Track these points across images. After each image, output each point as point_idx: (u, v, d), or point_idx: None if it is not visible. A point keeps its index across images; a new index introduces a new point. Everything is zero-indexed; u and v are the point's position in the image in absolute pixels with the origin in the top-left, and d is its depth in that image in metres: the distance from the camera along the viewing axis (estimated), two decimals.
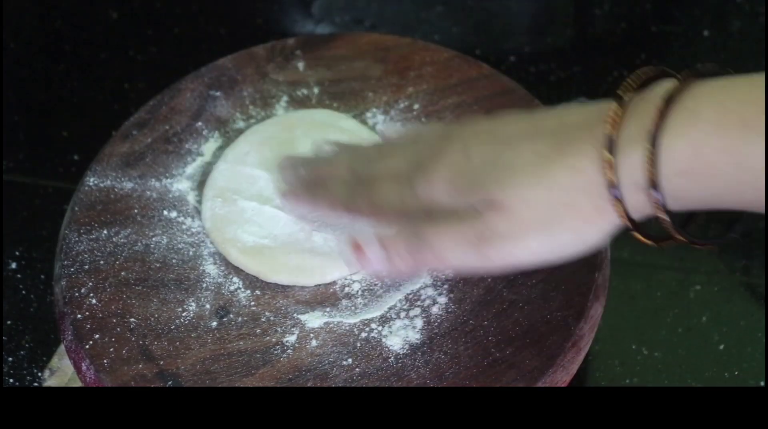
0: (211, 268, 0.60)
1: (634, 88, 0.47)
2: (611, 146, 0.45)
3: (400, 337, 0.56)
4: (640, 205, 0.45)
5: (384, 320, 0.57)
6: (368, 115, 0.67)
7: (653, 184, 0.44)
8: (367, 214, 0.53)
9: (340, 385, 0.54)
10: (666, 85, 0.45)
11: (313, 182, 0.57)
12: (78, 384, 0.66)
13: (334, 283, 0.59)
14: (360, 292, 0.58)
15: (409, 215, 0.51)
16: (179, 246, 0.60)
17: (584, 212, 0.46)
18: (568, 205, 0.46)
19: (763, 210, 0.45)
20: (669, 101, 0.44)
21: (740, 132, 0.43)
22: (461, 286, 0.58)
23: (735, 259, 0.74)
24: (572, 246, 0.48)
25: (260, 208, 0.61)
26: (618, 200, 0.45)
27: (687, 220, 0.49)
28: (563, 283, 0.57)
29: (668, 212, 0.45)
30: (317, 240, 0.59)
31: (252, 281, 0.59)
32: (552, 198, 0.46)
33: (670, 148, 0.44)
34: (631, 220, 0.46)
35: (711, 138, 0.43)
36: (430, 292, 0.58)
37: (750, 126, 0.42)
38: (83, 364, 0.55)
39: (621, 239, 0.74)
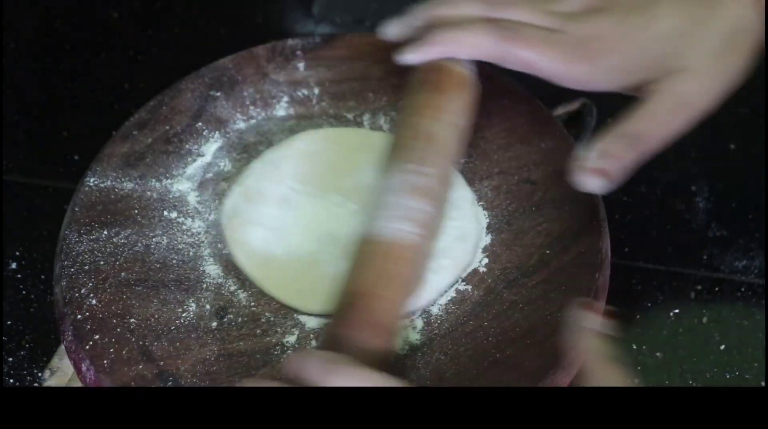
0: (211, 269, 0.59)
1: None
2: None
3: (400, 337, 0.56)
4: None
5: None
6: (367, 116, 0.67)
7: None
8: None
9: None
10: None
11: (444, 25, 0.62)
12: (78, 384, 0.66)
13: None
14: None
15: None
16: (179, 246, 0.60)
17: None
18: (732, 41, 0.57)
19: None
20: None
21: None
22: (461, 286, 0.58)
23: (735, 259, 0.74)
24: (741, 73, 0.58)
25: (278, 216, 0.61)
26: None
27: None
28: (563, 284, 0.57)
29: None
30: (324, 263, 0.58)
31: (252, 282, 0.59)
32: (721, 44, 0.57)
33: None
34: None
35: None
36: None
37: None
38: (83, 365, 0.55)
39: (621, 239, 0.74)
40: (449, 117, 0.60)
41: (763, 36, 0.58)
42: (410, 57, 0.62)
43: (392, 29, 0.64)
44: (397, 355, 0.55)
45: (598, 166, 0.57)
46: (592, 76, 0.59)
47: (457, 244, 0.59)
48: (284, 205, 0.61)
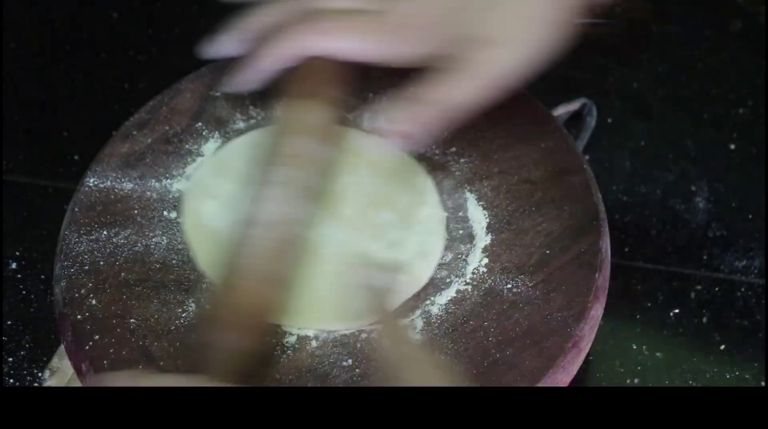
0: None
1: None
2: None
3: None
4: None
5: None
6: (366, 115, 0.67)
7: None
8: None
9: (341, 385, 0.54)
10: None
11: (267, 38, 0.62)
12: (78, 384, 0.66)
13: None
14: None
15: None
16: (179, 247, 0.60)
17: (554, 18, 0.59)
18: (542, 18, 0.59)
19: None
20: None
21: None
22: (461, 286, 0.58)
23: (735, 259, 0.74)
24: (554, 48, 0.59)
25: (237, 195, 0.61)
26: None
27: None
28: (563, 284, 0.57)
29: None
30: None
31: None
32: (531, 20, 0.58)
33: None
34: None
35: None
36: (430, 292, 0.58)
37: None
38: (83, 365, 0.55)
39: (621, 239, 0.74)
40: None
41: (577, 11, 0.60)
42: (243, 84, 0.63)
43: (219, 48, 0.64)
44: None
45: (401, 129, 0.58)
46: (411, 56, 0.61)
47: (417, 260, 0.59)
48: (247, 186, 0.61)
